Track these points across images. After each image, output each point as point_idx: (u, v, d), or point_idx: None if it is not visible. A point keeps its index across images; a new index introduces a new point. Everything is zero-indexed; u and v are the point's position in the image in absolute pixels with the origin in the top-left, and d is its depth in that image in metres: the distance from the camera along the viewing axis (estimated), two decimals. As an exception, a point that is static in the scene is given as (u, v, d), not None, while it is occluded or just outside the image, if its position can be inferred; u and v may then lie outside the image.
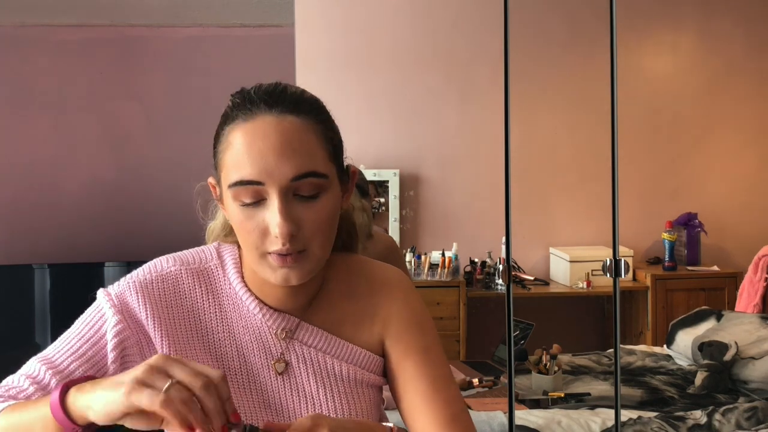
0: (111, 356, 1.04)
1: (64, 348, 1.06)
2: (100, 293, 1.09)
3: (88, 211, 4.48)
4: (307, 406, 1.09)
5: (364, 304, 1.14)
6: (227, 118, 1.03)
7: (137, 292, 1.07)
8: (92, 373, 1.03)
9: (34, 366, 1.05)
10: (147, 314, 1.06)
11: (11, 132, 4.47)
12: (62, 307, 4.07)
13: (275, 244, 1.00)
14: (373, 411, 1.14)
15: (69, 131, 4.49)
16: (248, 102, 1.01)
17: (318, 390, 1.10)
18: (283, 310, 1.10)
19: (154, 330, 1.07)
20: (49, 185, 4.48)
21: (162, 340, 1.06)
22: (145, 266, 1.12)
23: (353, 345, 1.12)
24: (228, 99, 1.05)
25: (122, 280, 1.10)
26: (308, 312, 1.12)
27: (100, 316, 1.07)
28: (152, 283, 1.09)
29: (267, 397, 1.09)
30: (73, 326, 1.09)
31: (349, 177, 1.11)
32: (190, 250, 1.16)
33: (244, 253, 1.08)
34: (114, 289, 1.09)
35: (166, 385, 0.83)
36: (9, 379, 1.05)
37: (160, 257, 1.14)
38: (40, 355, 1.07)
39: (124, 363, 1.06)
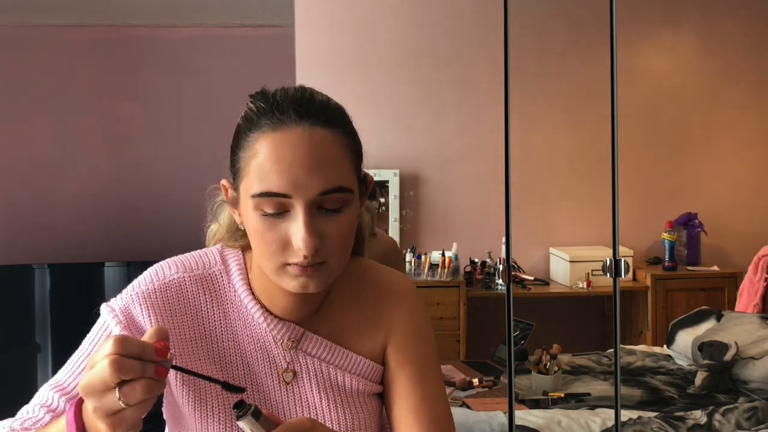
0: None
1: (74, 372, 1.05)
2: (104, 309, 1.08)
3: (88, 211, 4.48)
4: (312, 417, 1.09)
5: (369, 312, 1.13)
6: (252, 123, 0.99)
7: (141, 304, 1.06)
8: None
9: (46, 394, 1.05)
10: (151, 325, 1.05)
11: (11, 132, 4.46)
12: (62, 307, 4.06)
13: (296, 256, 0.98)
14: (375, 420, 1.14)
15: (69, 131, 4.49)
16: (276, 109, 0.98)
17: (321, 400, 1.09)
18: (289, 319, 1.09)
19: None
20: (49, 185, 4.48)
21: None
22: (147, 274, 1.10)
23: (357, 355, 1.11)
24: (247, 100, 1.02)
25: (125, 291, 1.09)
26: (314, 320, 1.11)
27: (107, 334, 1.06)
28: (155, 292, 1.07)
29: (271, 407, 1.08)
30: (80, 346, 1.08)
31: (367, 186, 1.09)
32: (193, 253, 1.14)
33: (257, 261, 1.05)
34: (117, 303, 1.07)
35: (118, 400, 0.81)
36: (24, 410, 1.05)
37: (162, 262, 1.12)
38: (51, 381, 1.06)
39: None
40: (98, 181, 4.51)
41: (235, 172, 1.01)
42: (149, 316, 1.05)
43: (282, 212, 0.97)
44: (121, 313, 1.06)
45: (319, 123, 0.98)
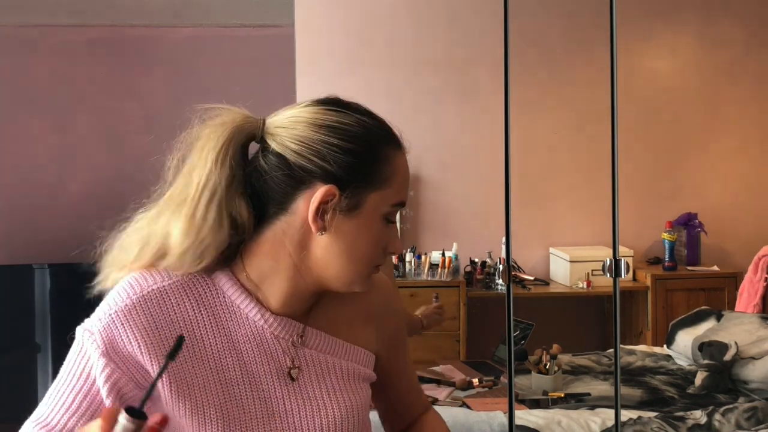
0: (108, 401, 1.00)
1: (57, 405, 1.01)
2: (80, 332, 1.02)
3: (88, 211, 4.47)
4: (312, 410, 1.09)
5: (357, 305, 1.18)
6: (387, 139, 1.12)
7: (122, 324, 1.01)
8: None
9: (32, 431, 1.01)
10: (137, 343, 1.01)
11: (11, 132, 4.47)
12: (62, 307, 4.07)
13: (383, 258, 1.11)
14: (366, 405, 1.18)
15: (69, 131, 4.49)
16: (391, 130, 1.15)
17: (321, 390, 1.11)
18: (287, 315, 1.10)
19: (147, 358, 1.01)
20: (49, 185, 4.48)
21: (155, 367, 1.01)
22: (122, 288, 1.05)
23: (352, 344, 1.16)
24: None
25: (101, 311, 1.03)
26: (309, 316, 1.13)
27: (86, 362, 1.01)
28: (135, 307, 1.02)
29: (270, 405, 1.08)
30: (60, 375, 1.03)
31: None
32: None
33: (341, 265, 1.07)
34: (95, 325, 1.02)
35: None
36: None
37: (136, 273, 1.07)
38: (34, 417, 1.03)
39: (124, 402, 1.01)
40: (98, 181, 4.51)
41: (362, 182, 1.06)
42: (133, 333, 1.01)
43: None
44: (101, 337, 1.01)
45: None
